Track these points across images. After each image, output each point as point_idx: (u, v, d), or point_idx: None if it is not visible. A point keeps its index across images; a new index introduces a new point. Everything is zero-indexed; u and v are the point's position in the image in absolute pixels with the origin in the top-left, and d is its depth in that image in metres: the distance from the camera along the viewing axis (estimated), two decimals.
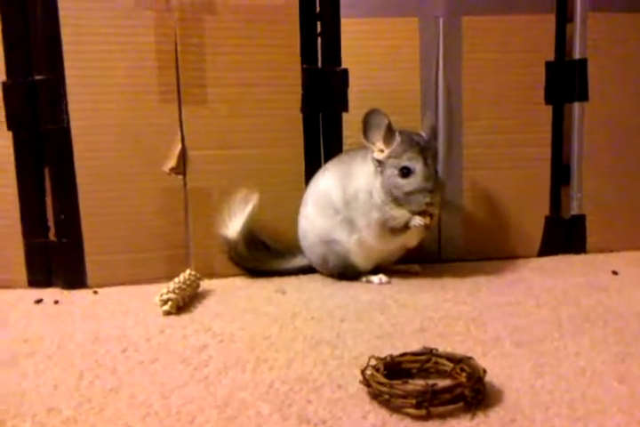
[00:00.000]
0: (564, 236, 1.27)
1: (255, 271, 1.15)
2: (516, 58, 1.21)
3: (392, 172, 1.03)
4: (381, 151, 1.05)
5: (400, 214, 1.04)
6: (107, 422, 0.62)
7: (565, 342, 0.81)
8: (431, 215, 1.03)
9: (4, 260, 1.11)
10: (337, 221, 1.10)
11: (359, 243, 1.09)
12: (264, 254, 1.16)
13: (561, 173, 1.26)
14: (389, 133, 1.03)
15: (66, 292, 1.09)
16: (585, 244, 1.27)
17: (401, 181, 1.02)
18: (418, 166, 1.02)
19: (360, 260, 1.10)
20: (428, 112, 1.15)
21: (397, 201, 1.03)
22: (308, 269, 1.15)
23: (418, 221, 1.03)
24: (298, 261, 1.16)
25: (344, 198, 1.09)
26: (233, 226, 1.10)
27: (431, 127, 1.08)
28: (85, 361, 0.77)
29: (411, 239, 1.09)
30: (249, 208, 1.10)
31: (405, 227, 1.05)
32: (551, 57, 1.22)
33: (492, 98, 1.21)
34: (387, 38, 1.20)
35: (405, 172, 1.02)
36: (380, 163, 1.05)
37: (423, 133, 1.06)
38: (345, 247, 1.09)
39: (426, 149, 1.03)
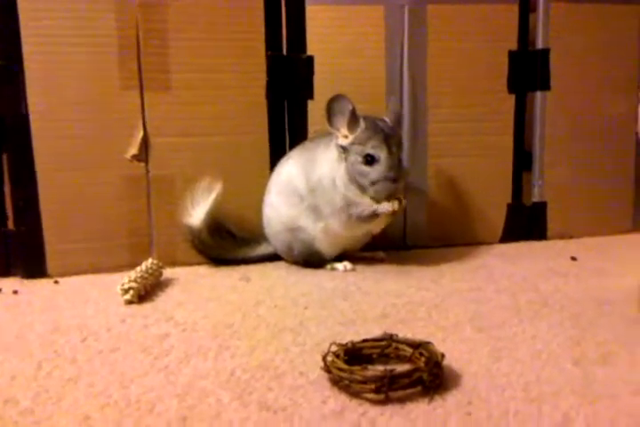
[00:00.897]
0: (526, 222, 1.29)
1: (219, 260, 1.14)
2: (479, 47, 1.22)
3: (356, 158, 1.03)
4: (345, 137, 1.04)
5: (364, 202, 1.04)
6: (65, 413, 0.62)
7: (523, 327, 0.82)
8: (399, 200, 1.03)
9: None
10: (302, 208, 1.10)
11: (325, 230, 1.09)
12: (229, 243, 1.15)
13: (523, 161, 1.28)
14: (353, 119, 1.03)
15: (25, 281, 1.07)
16: (546, 230, 1.30)
17: (365, 169, 1.02)
18: (382, 154, 1.02)
19: (325, 247, 1.10)
20: (393, 97, 1.15)
21: (361, 188, 1.04)
22: (273, 257, 1.15)
23: (386, 207, 1.03)
24: (263, 249, 1.16)
25: (308, 186, 1.09)
26: (196, 214, 1.10)
27: (395, 113, 1.08)
28: (44, 351, 0.76)
29: (376, 226, 1.09)
30: (212, 196, 1.10)
31: (374, 214, 1.05)
32: (514, 46, 1.24)
33: (456, 86, 1.22)
34: (352, 26, 1.19)
35: (369, 159, 1.02)
36: (344, 149, 1.05)
37: (387, 119, 1.07)
38: (310, 235, 1.10)
39: (390, 137, 1.03)
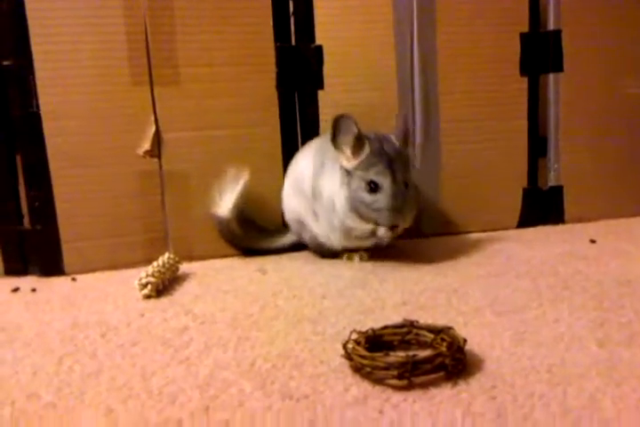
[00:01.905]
0: (543, 207, 1.28)
1: (247, 250, 1.14)
2: (490, 30, 1.21)
3: (359, 185, 0.98)
4: (349, 160, 1.00)
5: (363, 227, 1.01)
6: (87, 406, 0.62)
7: (544, 310, 0.81)
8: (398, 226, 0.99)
9: None
10: (305, 206, 1.09)
11: (324, 231, 1.08)
12: (254, 233, 1.15)
13: (538, 145, 1.26)
14: (358, 143, 0.99)
15: (43, 279, 1.07)
16: (563, 214, 1.28)
17: (367, 197, 0.98)
18: (386, 182, 0.97)
19: (329, 243, 1.10)
20: (402, 116, 1.10)
21: (362, 217, 1.00)
22: (298, 246, 1.15)
23: (384, 233, 0.99)
24: (288, 239, 1.15)
25: (312, 190, 1.07)
26: (225, 204, 1.10)
27: (403, 131, 1.03)
28: (64, 347, 0.76)
29: (380, 242, 1.06)
30: (240, 186, 1.10)
31: (371, 234, 1.02)
32: (525, 28, 1.22)
33: (468, 71, 1.21)
34: (361, 13, 1.18)
35: (373, 186, 0.97)
36: (347, 172, 1.00)
37: (394, 139, 1.02)
38: (313, 231, 1.09)
39: (395, 162, 0.98)
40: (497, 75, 1.22)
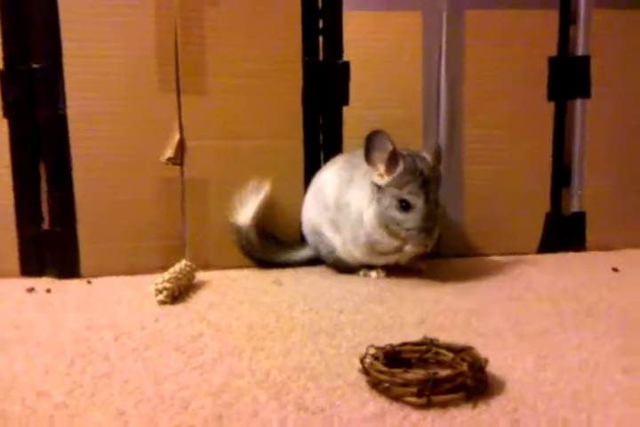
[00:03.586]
0: (564, 233, 1.26)
1: (264, 262, 1.13)
2: (518, 53, 1.20)
3: (390, 202, 0.97)
4: (382, 176, 0.99)
5: (390, 242, 1.00)
6: (98, 407, 0.60)
7: (568, 336, 0.79)
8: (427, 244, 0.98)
9: None
10: (325, 217, 1.08)
11: (344, 244, 1.07)
12: (273, 245, 1.14)
13: (562, 170, 1.25)
14: (393, 160, 0.97)
15: (58, 281, 1.07)
16: (585, 241, 1.26)
17: (399, 215, 0.97)
18: (419, 203, 0.96)
19: (347, 258, 1.08)
20: (434, 134, 1.10)
21: (391, 233, 0.99)
22: (315, 261, 1.14)
23: (413, 249, 0.99)
24: (306, 253, 1.14)
25: (336, 202, 1.07)
26: (245, 214, 1.09)
27: (436, 149, 1.02)
28: (77, 348, 0.75)
29: (401, 259, 1.05)
30: (261, 197, 1.09)
31: (397, 250, 1.01)
32: (554, 53, 1.22)
33: (494, 93, 1.20)
34: (389, 31, 1.18)
35: (405, 205, 0.96)
36: (379, 188, 0.99)
37: (427, 157, 1.01)
38: (331, 243, 1.08)
39: (429, 182, 0.97)
40: (524, 98, 1.21)
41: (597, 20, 1.21)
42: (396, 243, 1.00)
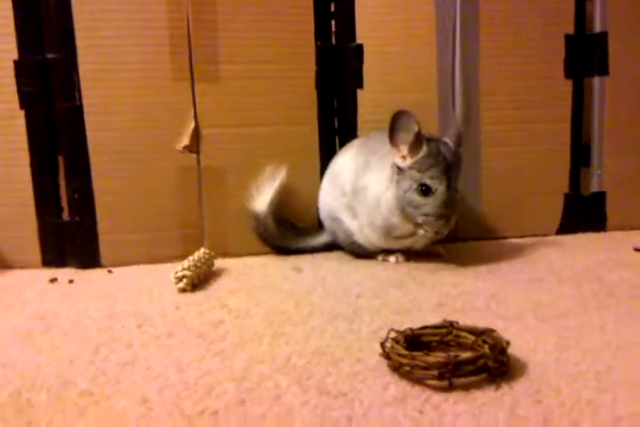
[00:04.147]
0: (584, 213, 1.24)
1: (281, 248, 1.13)
2: (534, 31, 1.18)
3: (410, 185, 0.95)
4: (404, 158, 0.97)
5: (406, 226, 1.00)
6: (123, 394, 0.61)
7: (590, 317, 0.79)
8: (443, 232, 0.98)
9: (18, 240, 1.11)
10: (341, 203, 1.08)
11: (360, 229, 1.06)
12: (290, 232, 1.14)
13: (581, 150, 1.23)
14: (417, 142, 0.96)
15: (80, 271, 1.08)
16: (605, 221, 1.25)
17: (418, 199, 0.95)
18: (440, 187, 0.95)
19: (365, 243, 1.08)
20: (454, 117, 1.07)
21: (407, 217, 0.98)
22: (333, 246, 1.14)
23: (426, 233, 0.98)
24: (323, 238, 1.14)
25: (353, 187, 1.06)
26: (262, 200, 1.09)
27: (457, 135, 1.00)
28: (100, 336, 0.76)
29: (416, 244, 1.05)
30: (277, 183, 1.09)
31: (411, 234, 1.00)
32: (571, 30, 1.19)
33: (511, 72, 1.19)
34: (402, 12, 1.17)
35: (425, 189, 0.95)
36: (399, 170, 0.98)
37: (450, 142, 0.99)
38: (349, 229, 1.08)
39: (451, 168, 0.96)
40: (541, 76, 1.19)
41: None
42: (411, 228, 0.99)
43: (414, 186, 0.96)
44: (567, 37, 1.19)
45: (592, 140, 1.23)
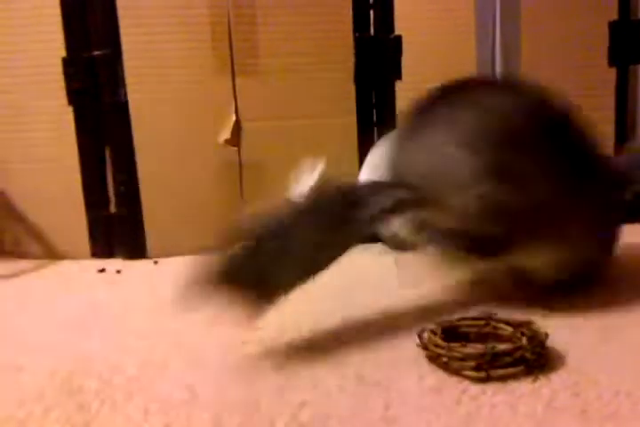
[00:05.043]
0: (627, 205, 1.22)
1: None
2: (577, 18, 1.16)
3: None
4: None
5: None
6: (168, 380, 0.64)
7: (631, 309, 0.78)
8: None
9: (67, 232, 1.15)
10: None
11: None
12: None
13: (625, 138, 1.20)
14: None
15: (127, 262, 1.12)
16: None
17: None
18: None
19: (402, 235, 1.08)
20: None
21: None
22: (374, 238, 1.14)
23: None
24: None
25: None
26: (300, 193, 1.10)
27: None
28: (148, 325, 0.79)
29: None
30: (316, 175, 1.10)
31: None
32: (615, 16, 1.17)
33: (553, 61, 1.17)
34: (441, 2, 1.16)
35: None
36: None
37: None
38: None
39: None
40: (584, 64, 1.17)
41: None
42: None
43: None
44: (611, 24, 1.16)
45: (636, 128, 1.21)
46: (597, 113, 1.19)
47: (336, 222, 0.73)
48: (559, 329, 0.72)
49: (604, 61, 1.17)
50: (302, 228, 0.72)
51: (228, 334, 0.75)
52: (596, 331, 0.72)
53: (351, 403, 0.58)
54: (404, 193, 0.77)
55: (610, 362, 0.64)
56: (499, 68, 1.16)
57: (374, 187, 0.81)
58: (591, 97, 1.18)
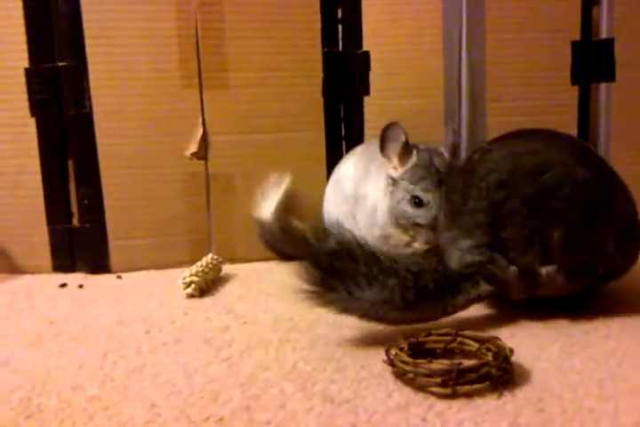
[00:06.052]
0: None
1: (287, 255, 1.13)
2: (540, 38, 1.18)
3: (403, 196, 0.97)
4: (395, 168, 0.99)
5: (401, 236, 1.00)
6: (131, 400, 0.62)
7: (595, 325, 0.79)
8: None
9: (29, 245, 1.12)
10: (344, 210, 1.08)
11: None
12: (296, 239, 1.15)
13: None
14: (405, 152, 0.98)
15: (90, 276, 1.09)
16: None
17: (410, 211, 0.96)
18: (432, 200, 0.95)
19: None
20: (452, 128, 1.08)
21: (401, 228, 0.98)
22: None
23: (419, 246, 0.99)
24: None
25: (354, 194, 1.06)
26: (267, 207, 1.10)
27: (453, 144, 1.02)
28: (109, 342, 0.78)
29: (415, 251, 1.03)
30: (282, 189, 1.10)
31: (407, 245, 1.00)
32: (577, 36, 1.20)
33: (517, 79, 1.19)
34: (409, 19, 1.17)
35: (417, 201, 0.96)
36: (393, 181, 0.99)
37: (445, 152, 1.00)
38: None
39: (443, 178, 0.96)
40: (547, 83, 1.20)
41: (620, 2, 1.19)
42: (405, 238, 1.00)
43: (407, 197, 0.96)
44: (573, 44, 1.19)
45: (598, 146, 1.23)
46: (562, 130, 1.21)
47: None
48: (524, 345, 0.73)
49: (567, 80, 1.20)
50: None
51: (192, 353, 0.74)
52: (561, 346, 0.73)
53: (317, 423, 0.57)
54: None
55: (573, 377, 0.65)
56: (464, 85, 1.18)
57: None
58: (555, 114, 1.21)
